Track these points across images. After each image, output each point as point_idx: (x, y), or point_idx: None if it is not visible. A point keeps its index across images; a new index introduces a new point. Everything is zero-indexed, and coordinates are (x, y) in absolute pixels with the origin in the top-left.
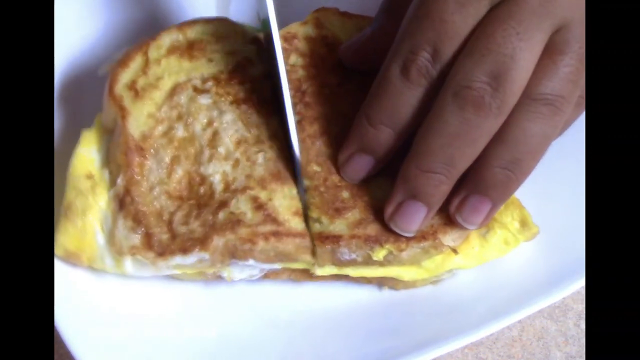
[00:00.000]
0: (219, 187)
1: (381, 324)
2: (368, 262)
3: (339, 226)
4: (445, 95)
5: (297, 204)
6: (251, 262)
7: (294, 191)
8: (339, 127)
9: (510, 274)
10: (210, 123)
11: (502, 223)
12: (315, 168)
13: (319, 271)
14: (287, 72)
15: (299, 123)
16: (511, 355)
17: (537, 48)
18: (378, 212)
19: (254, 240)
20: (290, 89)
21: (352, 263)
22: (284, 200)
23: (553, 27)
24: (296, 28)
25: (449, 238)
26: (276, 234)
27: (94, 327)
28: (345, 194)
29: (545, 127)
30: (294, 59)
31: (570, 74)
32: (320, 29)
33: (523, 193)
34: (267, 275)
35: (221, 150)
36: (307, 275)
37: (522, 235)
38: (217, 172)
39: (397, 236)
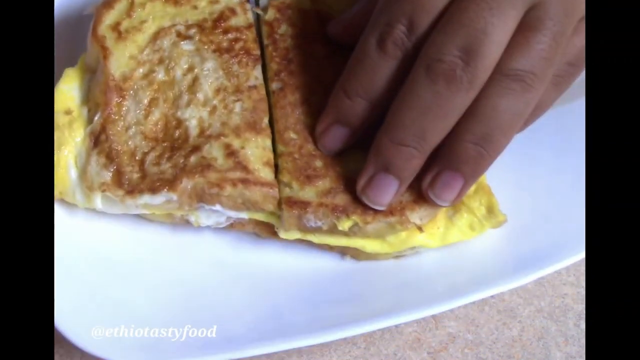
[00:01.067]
0: (194, 131)
1: (340, 290)
2: (333, 231)
3: (308, 193)
4: (417, 69)
5: (269, 155)
6: (218, 207)
7: (268, 142)
8: (321, 97)
9: (473, 257)
10: (191, 69)
11: (470, 207)
12: (292, 135)
13: (284, 235)
14: (276, 40)
15: (281, 90)
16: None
17: (510, 24)
18: (348, 183)
19: (221, 185)
20: (276, 56)
21: (317, 230)
22: (256, 150)
23: (527, 4)
24: None
25: (417, 216)
26: (244, 181)
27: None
28: (318, 163)
29: (515, 102)
30: (284, 28)
31: (542, 51)
32: (315, 2)
33: (498, 181)
34: (233, 225)
35: (200, 96)
36: (271, 231)
37: (488, 222)
38: (193, 117)
39: (364, 208)
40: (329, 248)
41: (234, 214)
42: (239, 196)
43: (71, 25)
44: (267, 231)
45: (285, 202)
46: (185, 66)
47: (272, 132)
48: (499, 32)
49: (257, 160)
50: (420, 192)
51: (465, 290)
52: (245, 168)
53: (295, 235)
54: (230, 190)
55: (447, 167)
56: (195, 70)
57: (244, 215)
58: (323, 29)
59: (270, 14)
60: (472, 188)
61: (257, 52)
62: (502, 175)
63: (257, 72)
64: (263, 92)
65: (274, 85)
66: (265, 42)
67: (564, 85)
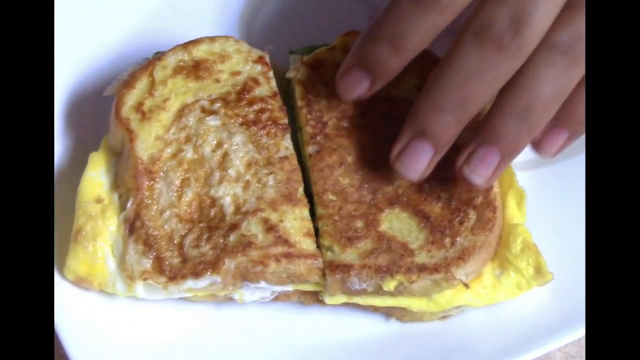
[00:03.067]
0: (229, 209)
1: (388, 357)
2: (378, 292)
3: (350, 255)
4: (465, 35)
5: (308, 225)
6: (263, 284)
7: (305, 212)
8: (357, 157)
9: (519, 316)
10: (219, 145)
11: (517, 267)
12: (331, 197)
13: (329, 300)
14: (310, 102)
15: (317, 153)
16: None
17: None
18: (390, 243)
19: (265, 262)
20: (311, 119)
21: (362, 293)
22: (295, 222)
23: None
24: (323, 54)
25: (462, 272)
26: (287, 256)
27: (102, 350)
28: (359, 224)
29: (558, 76)
30: (317, 88)
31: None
32: (347, 53)
33: (543, 239)
34: (278, 297)
35: (231, 172)
36: (316, 298)
37: (536, 282)
38: (227, 195)
39: (409, 267)
40: (375, 309)
41: (279, 288)
42: (284, 271)
43: (78, 104)
44: (313, 299)
45: (328, 267)
46: (214, 142)
47: (309, 197)
48: (549, 4)
49: (297, 233)
50: (464, 249)
51: (511, 354)
52: (286, 242)
53: (341, 299)
54: (274, 266)
55: (484, 141)
56: (224, 145)
57: (289, 287)
58: None
59: (304, 73)
60: (519, 247)
61: (285, 121)
62: (544, 230)
63: (287, 142)
64: (295, 161)
65: (310, 149)
66: (299, 103)
67: None
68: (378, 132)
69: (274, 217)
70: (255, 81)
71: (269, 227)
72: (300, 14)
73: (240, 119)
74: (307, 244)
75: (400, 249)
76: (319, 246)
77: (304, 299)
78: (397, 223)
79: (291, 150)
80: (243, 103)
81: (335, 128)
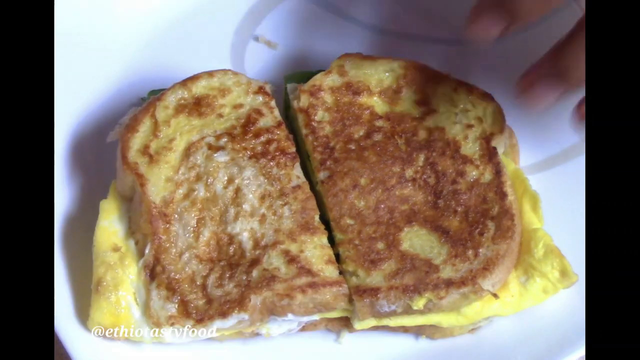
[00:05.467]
0: (248, 244)
1: None
2: (408, 311)
3: (375, 278)
4: None
5: (329, 252)
6: (290, 316)
7: (324, 240)
8: (369, 178)
9: (548, 319)
10: (231, 180)
11: (542, 272)
12: (349, 221)
13: (359, 325)
14: (315, 129)
15: (329, 178)
16: None
17: None
18: (414, 261)
19: (291, 294)
20: (318, 145)
21: (392, 314)
22: (315, 250)
23: None
24: (320, 79)
25: (489, 282)
26: (312, 285)
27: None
28: (380, 245)
29: None
30: (320, 114)
31: None
32: (344, 76)
33: (560, 240)
34: (305, 327)
35: (246, 207)
36: (343, 323)
37: (562, 284)
38: (244, 230)
39: (436, 283)
40: (404, 330)
41: (306, 319)
42: (310, 301)
43: (80, 152)
44: (339, 325)
45: (355, 292)
46: (225, 178)
47: (325, 224)
48: None
49: (319, 261)
50: (488, 259)
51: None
52: (309, 272)
53: (371, 323)
54: (300, 298)
55: None
56: (236, 181)
57: (316, 317)
58: (357, 103)
59: (304, 100)
60: (541, 252)
61: (293, 149)
62: (561, 231)
63: (297, 170)
64: (307, 189)
65: (322, 175)
66: (304, 131)
67: None
68: (385, 150)
69: (293, 247)
70: (259, 112)
71: (291, 259)
72: (291, 40)
73: (248, 152)
74: (330, 271)
75: (425, 266)
76: (341, 272)
77: (330, 326)
78: (418, 240)
79: (302, 178)
80: (249, 136)
81: (343, 151)
